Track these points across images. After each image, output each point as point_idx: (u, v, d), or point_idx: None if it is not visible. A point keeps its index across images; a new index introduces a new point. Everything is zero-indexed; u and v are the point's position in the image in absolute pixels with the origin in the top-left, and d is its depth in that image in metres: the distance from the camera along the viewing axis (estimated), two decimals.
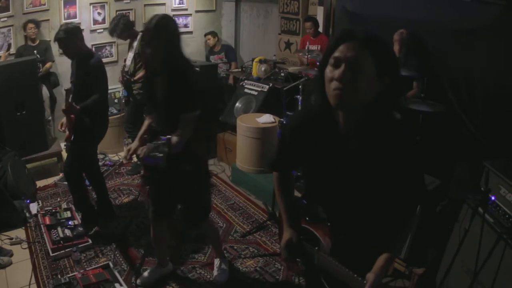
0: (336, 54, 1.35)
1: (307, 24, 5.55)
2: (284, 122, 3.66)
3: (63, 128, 3.43)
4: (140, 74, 4.64)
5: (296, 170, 1.91)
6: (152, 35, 2.41)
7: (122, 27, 4.56)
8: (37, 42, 5.21)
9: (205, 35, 6.60)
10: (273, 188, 3.77)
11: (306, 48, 5.45)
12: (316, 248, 1.65)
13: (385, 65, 1.35)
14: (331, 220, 1.63)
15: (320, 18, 5.67)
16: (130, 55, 4.71)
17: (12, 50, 5.16)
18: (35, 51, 5.02)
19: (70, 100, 3.21)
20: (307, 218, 1.74)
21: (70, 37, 3.27)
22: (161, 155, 2.21)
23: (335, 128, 1.50)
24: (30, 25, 5.10)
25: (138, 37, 4.64)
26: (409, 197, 1.55)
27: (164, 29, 2.42)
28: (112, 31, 4.66)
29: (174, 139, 2.41)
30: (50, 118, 5.42)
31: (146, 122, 2.79)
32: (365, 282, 1.44)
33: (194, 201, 2.81)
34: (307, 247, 1.71)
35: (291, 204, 1.84)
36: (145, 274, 3.10)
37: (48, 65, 5.28)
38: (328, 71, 1.38)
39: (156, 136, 2.52)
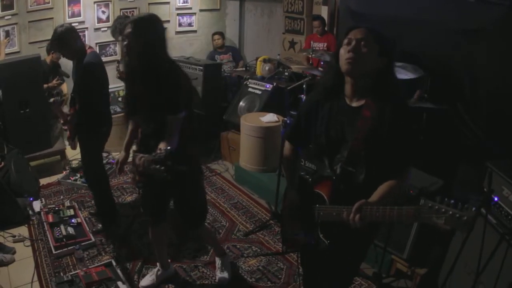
0: (349, 36, 1.78)
1: (315, 23, 5.55)
2: (288, 121, 3.66)
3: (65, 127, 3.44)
4: None
5: (305, 146, 2.17)
6: (131, 37, 2.32)
7: (118, 32, 4.67)
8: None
9: (214, 34, 6.58)
10: (276, 187, 3.78)
11: (311, 47, 5.42)
12: (317, 205, 1.92)
13: (384, 49, 1.78)
14: (335, 174, 1.93)
15: (324, 18, 5.65)
16: None
17: (16, 49, 5.17)
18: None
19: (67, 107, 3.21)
20: (310, 180, 2.04)
21: (63, 42, 3.22)
22: (162, 168, 2.09)
23: (342, 96, 1.89)
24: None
25: None
26: (395, 160, 1.81)
27: (144, 31, 2.32)
28: (112, 35, 4.83)
29: (163, 145, 2.28)
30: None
31: (130, 129, 2.68)
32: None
33: (189, 204, 2.75)
34: (307, 209, 1.97)
35: (296, 173, 2.17)
36: (148, 277, 3.08)
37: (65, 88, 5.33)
38: (342, 48, 1.79)
39: (145, 144, 2.46)
